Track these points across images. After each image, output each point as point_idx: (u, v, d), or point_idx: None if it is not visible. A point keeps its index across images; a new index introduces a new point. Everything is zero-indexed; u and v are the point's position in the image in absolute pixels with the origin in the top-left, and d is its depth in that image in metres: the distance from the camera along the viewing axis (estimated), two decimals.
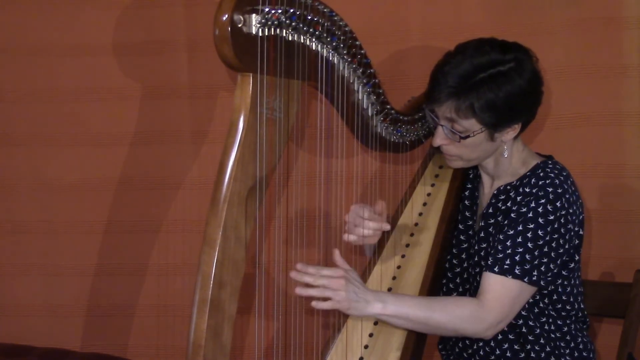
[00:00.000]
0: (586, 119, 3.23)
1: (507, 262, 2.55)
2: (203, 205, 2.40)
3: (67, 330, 3.56)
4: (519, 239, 2.56)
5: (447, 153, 2.67)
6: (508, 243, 2.56)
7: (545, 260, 2.57)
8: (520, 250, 2.55)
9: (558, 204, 2.57)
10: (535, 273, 2.56)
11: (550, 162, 2.67)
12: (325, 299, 2.45)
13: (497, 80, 2.54)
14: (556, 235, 2.57)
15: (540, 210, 2.57)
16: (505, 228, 2.59)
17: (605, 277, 3.24)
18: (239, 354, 3.37)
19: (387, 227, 2.67)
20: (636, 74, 3.18)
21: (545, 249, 2.56)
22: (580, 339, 2.70)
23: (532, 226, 2.56)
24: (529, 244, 2.55)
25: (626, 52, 3.19)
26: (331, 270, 2.46)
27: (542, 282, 2.58)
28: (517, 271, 2.55)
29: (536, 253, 2.56)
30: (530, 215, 2.57)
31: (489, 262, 2.57)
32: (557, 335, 2.67)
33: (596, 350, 2.77)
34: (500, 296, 2.55)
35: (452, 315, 2.53)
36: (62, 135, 3.54)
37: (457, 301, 2.62)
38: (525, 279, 2.55)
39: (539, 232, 2.56)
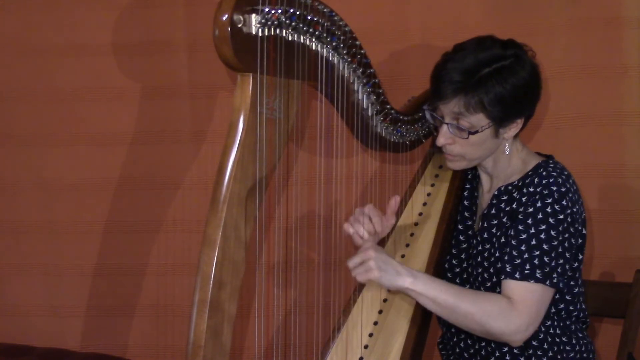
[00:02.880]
0: (586, 119, 3.23)
1: (527, 267, 2.54)
2: (203, 205, 2.40)
3: (67, 330, 3.55)
4: (533, 242, 2.55)
5: (450, 153, 2.67)
6: (523, 247, 2.56)
7: (561, 261, 2.57)
8: (537, 253, 2.55)
9: (564, 202, 2.57)
10: (554, 275, 2.55)
11: (551, 161, 2.67)
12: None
13: (503, 73, 2.56)
14: (567, 235, 2.57)
15: (549, 210, 2.56)
16: (515, 232, 2.58)
17: (605, 277, 3.23)
18: (238, 354, 3.37)
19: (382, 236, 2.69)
20: (636, 74, 3.18)
21: (560, 250, 2.56)
22: (580, 340, 2.69)
23: (544, 227, 2.56)
24: (545, 246, 2.55)
25: (626, 52, 3.19)
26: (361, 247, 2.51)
27: (560, 284, 2.58)
28: (538, 275, 2.54)
29: (553, 254, 2.55)
30: (540, 216, 2.56)
31: (507, 269, 2.56)
32: (559, 336, 2.67)
33: (596, 350, 2.76)
34: (527, 301, 2.54)
35: (481, 308, 2.52)
36: (62, 135, 3.54)
37: (488, 295, 2.60)
38: (547, 282, 2.55)
39: (552, 233, 2.56)
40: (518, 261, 2.55)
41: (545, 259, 2.54)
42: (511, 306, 2.53)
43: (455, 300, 2.51)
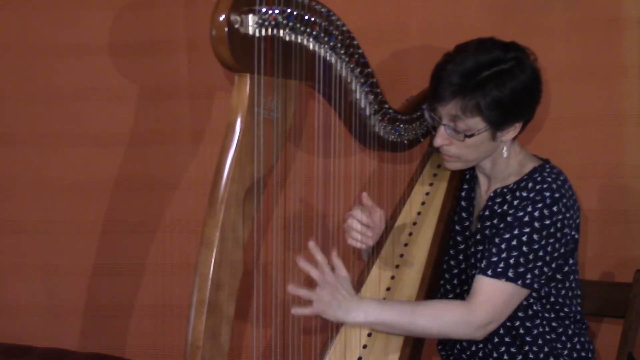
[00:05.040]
0: (586, 119, 3.23)
1: (501, 265, 2.54)
2: (201, 205, 2.40)
3: (66, 330, 3.56)
4: (514, 242, 2.55)
5: (446, 154, 2.67)
6: (502, 246, 2.55)
7: (539, 263, 2.56)
8: (515, 254, 2.54)
9: (555, 208, 2.56)
10: (528, 276, 2.55)
11: (547, 165, 2.66)
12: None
13: (502, 77, 2.54)
14: (552, 240, 2.56)
15: (537, 215, 2.56)
16: (501, 231, 2.58)
17: (605, 277, 3.23)
18: (237, 355, 3.37)
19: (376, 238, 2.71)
20: (636, 74, 3.18)
21: (540, 253, 2.55)
22: (577, 340, 2.69)
23: (527, 230, 2.55)
24: (524, 248, 2.54)
25: (626, 52, 3.19)
26: (321, 277, 2.48)
27: (535, 285, 2.57)
28: (510, 274, 2.54)
29: (530, 257, 2.55)
30: (527, 219, 2.56)
31: (482, 265, 2.56)
32: (554, 337, 2.67)
33: (596, 350, 2.76)
34: (492, 298, 2.54)
35: (437, 320, 2.53)
36: (62, 135, 3.54)
37: (445, 305, 2.60)
38: (519, 282, 2.54)
39: (534, 236, 2.55)
40: (494, 259, 2.55)
41: (521, 259, 2.54)
42: (467, 310, 2.54)
43: (410, 319, 2.52)
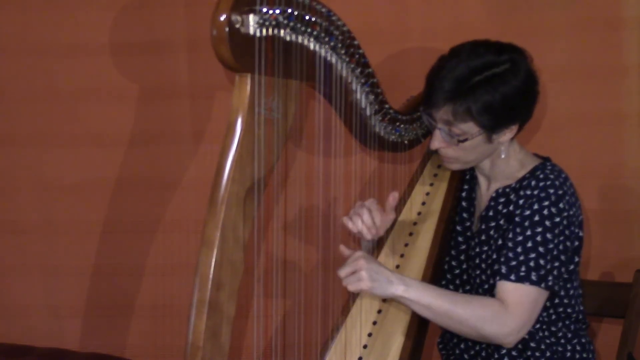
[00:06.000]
0: (586, 119, 3.23)
1: (523, 269, 2.53)
2: (201, 205, 2.40)
3: (66, 330, 3.56)
4: (529, 244, 2.55)
5: (444, 156, 2.67)
6: (519, 249, 2.55)
7: (556, 264, 2.56)
8: (533, 255, 2.54)
9: (561, 205, 2.56)
10: (550, 278, 2.54)
11: (548, 164, 2.66)
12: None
13: (493, 82, 2.53)
14: (562, 238, 2.56)
15: (546, 213, 2.55)
16: (511, 234, 2.57)
17: (605, 277, 3.23)
18: (237, 355, 3.37)
19: (381, 233, 2.69)
20: (636, 73, 3.18)
21: (555, 252, 2.55)
22: (577, 341, 2.69)
23: (540, 230, 2.55)
24: (540, 249, 2.54)
25: (626, 52, 3.19)
26: (351, 256, 2.49)
27: (555, 287, 2.57)
28: (533, 277, 2.53)
29: (548, 257, 2.54)
30: (537, 218, 2.56)
31: (502, 271, 2.55)
32: (554, 340, 2.66)
33: (596, 350, 2.76)
34: (521, 302, 2.53)
35: (475, 312, 2.51)
36: (62, 135, 3.54)
37: (482, 300, 2.60)
38: (542, 285, 2.54)
39: (548, 236, 2.55)
40: (513, 263, 2.54)
41: (541, 261, 2.54)
42: (504, 309, 2.52)
43: (449, 305, 2.50)
